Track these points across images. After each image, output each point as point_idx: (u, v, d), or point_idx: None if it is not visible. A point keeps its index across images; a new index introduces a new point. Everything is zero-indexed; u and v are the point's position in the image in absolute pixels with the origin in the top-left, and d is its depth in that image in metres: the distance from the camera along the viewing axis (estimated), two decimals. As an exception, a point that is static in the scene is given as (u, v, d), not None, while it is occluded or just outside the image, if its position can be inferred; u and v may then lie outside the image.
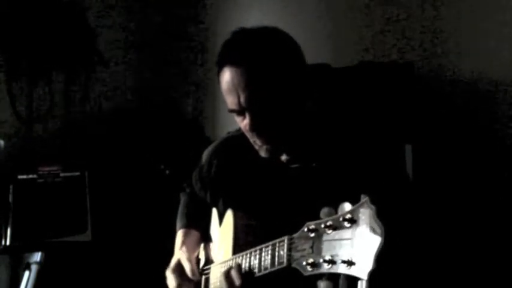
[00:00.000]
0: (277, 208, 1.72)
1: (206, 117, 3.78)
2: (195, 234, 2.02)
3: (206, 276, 1.93)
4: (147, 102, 3.87)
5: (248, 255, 1.60)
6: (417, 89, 2.52)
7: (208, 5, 3.78)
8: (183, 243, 2.00)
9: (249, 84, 1.66)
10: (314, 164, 1.72)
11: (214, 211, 1.96)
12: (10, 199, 2.95)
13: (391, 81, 2.53)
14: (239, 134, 1.87)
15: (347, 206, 1.27)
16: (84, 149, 3.51)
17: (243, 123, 1.71)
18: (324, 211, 1.32)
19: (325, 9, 3.00)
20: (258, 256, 1.54)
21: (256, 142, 1.73)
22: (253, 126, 1.68)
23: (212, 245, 1.96)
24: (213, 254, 1.94)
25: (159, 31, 3.89)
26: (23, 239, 2.92)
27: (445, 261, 2.21)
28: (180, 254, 1.96)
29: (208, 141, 3.65)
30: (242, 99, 1.67)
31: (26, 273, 2.99)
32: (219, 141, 2.02)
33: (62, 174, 3.03)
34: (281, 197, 1.73)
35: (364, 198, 1.25)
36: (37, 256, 3.00)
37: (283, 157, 1.77)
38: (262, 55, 1.67)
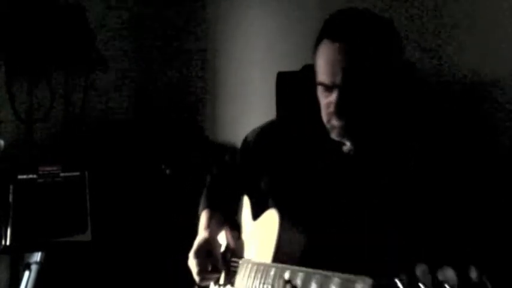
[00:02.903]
0: (333, 206, 1.66)
1: (206, 117, 3.78)
2: (219, 217, 1.98)
3: (233, 269, 1.89)
4: (146, 102, 3.88)
5: (303, 273, 1.45)
6: (417, 88, 2.52)
7: (208, 5, 3.78)
8: (209, 225, 1.95)
9: (350, 64, 1.61)
10: (376, 156, 1.68)
11: (246, 200, 1.93)
12: (10, 199, 2.95)
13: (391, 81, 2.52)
14: (299, 118, 1.85)
15: (452, 273, 1.16)
16: (84, 149, 3.51)
17: (327, 99, 1.67)
18: (421, 269, 1.18)
19: (325, 8, 3.00)
20: (320, 280, 1.38)
21: (331, 121, 1.68)
22: (338, 106, 1.64)
23: (242, 237, 1.93)
24: (243, 249, 1.90)
25: (159, 31, 3.90)
26: (23, 239, 2.92)
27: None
28: (206, 236, 1.91)
29: (208, 141, 3.67)
30: (338, 78, 1.62)
31: (26, 273, 2.99)
32: (267, 123, 1.97)
33: (62, 174, 3.03)
34: (339, 193, 1.68)
35: (475, 272, 1.15)
36: (37, 256, 3.00)
37: (345, 147, 1.73)
38: (371, 40, 1.63)
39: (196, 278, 1.89)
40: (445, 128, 2.47)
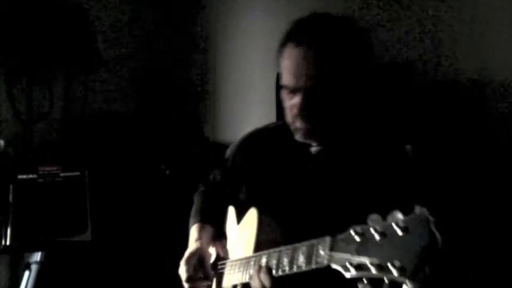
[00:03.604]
0: (304, 201, 1.72)
1: (206, 117, 3.78)
2: (209, 229, 2.03)
3: (220, 272, 1.93)
4: (146, 102, 3.88)
5: (277, 253, 1.58)
6: (417, 89, 2.52)
7: (208, 4, 3.78)
8: (200, 236, 2.00)
9: (313, 68, 1.65)
10: (343, 155, 1.73)
11: (231, 210, 1.96)
12: (10, 199, 2.95)
13: (391, 81, 2.53)
14: (268, 127, 1.92)
15: (399, 215, 1.26)
16: (84, 149, 3.51)
17: (291, 101, 1.71)
18: (372, 218, 1.29)
19: (324, 9, 3.00)
20: (290, 254, 1.52)
21: (295, 123, 1.73)
22: (302, 108, 1.68)
23: (228, 242, 1.97)
24: (229, 252, 1.93)
25: (159, 31, 3.90)
26: (23, 239, 2.92)
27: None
28: (196, 246, 1.95)
29: (208, 141, 3.67)
30: (301, 81, 1.67)
31: (26, 273, 2.99)
32: (245, 136, 2.03)
33: (62, 174, 3.03)
34: (308, 189, 1.74)
35: (419, 209, 1.24)
36: (37, 256, 3.00)
37: (313, 148, 1.78)
38: (335, 44, 1.67)
39: (186, 286, 1.91)
40: (443, 128, 2.47)
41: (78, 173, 3.05)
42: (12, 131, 3.51)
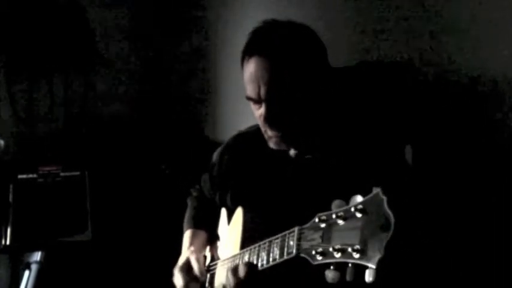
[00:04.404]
0: (285, 200, 1.77)
1: (206, 117, 3.78)
2: (202, 235, 2.05)
3: (212, 272, 1.94)
4: (146, 102, 3.88)
5: (257, 248, 1.62)
6: (417, 89, 2.52)
7: (208, 4, 3.78)
8: (192, 243, 2.03)
9: (272, 79, 1.69)
10: (321, 157, 1.76)
11: (223, 212, 1.98)
12: (10, 199, 2.95)
13: (391, 81, 2.53)
14: (250, 131, 1.93)
15: (358, 198, 1.30)
16: (84, 149, 3.51)
17: (258, 112, 1.76)
18: (336, 203, 1.35)
19: (324, 9, 3.00)
20: (266, 248, 1.57)
21: (267, 132, 1.78)
22: (267, 118, 1.73)
23: (219, 244, 1.99)
24: (220, 252, 1.96)
25: (160, 31, 3.89)
26: (23, 239, 2.92)
27: (448, 256, 2.23)
28: (188, 253, 1.98)
29: (208, 141, 3.67)
30: (262, 91, 1.71)
31: (26, 273, 2.99)
32: (229, 140, 2.07)
33: (62, 174, 3.03)
34: (289, 189, 1.78)
35: (375, 190, 1.28)
36: (37, 256, 3.00)
37: (291, 151, 1.81)
38: (291, 52, 1.71)
39: None
40: (442, 129, 2.47)
41: (78, 173, 3.05)
42: (12, 131, 3.51)
